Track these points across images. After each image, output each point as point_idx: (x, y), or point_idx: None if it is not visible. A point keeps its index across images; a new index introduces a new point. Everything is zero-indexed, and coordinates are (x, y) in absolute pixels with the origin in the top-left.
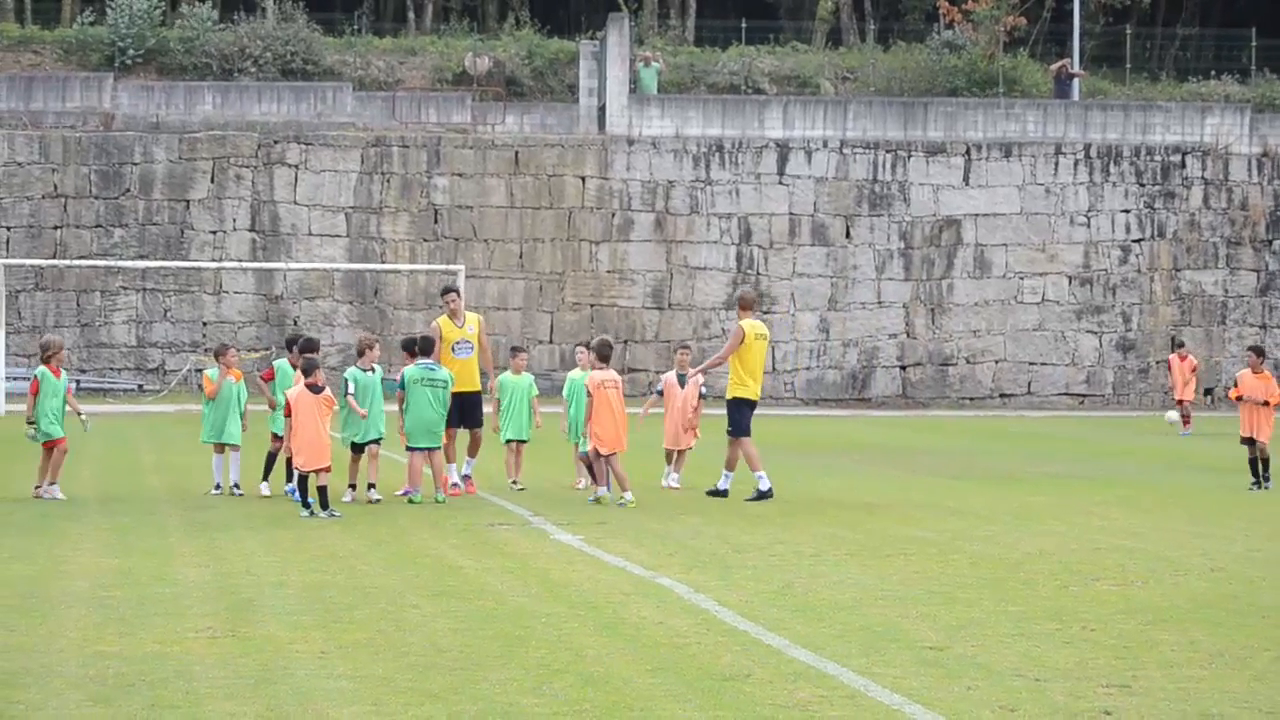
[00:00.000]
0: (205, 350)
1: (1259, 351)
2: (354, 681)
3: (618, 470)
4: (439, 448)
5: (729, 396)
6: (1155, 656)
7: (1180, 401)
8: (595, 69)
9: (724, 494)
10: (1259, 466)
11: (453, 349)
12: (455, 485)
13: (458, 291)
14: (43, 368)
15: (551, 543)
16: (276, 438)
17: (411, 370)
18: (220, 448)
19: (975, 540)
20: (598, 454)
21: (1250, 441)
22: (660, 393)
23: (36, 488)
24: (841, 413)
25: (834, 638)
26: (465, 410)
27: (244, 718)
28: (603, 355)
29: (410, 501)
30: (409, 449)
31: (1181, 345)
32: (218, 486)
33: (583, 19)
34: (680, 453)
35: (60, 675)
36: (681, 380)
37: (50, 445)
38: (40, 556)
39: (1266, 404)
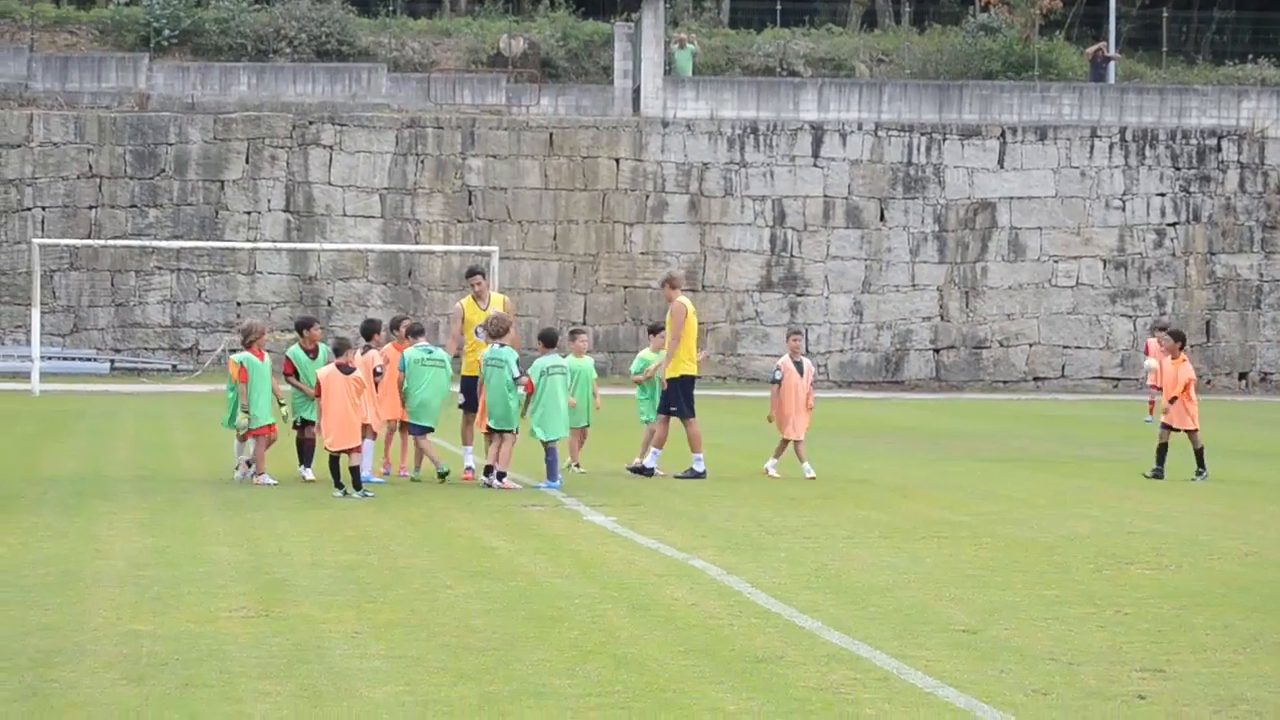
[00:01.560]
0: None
1: (1174, 335)
2: (387, 661)
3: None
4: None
5: (678, 374)
6: (1189, 640)
7: (1156, 387)
8: (630, 51)
9: (650, 471)
10: (1199, 457)
11: (476, 331)
12: (470, 469)
13: (483, 273)
14: (247, 353)
15: (584, 524)
16: (305, 423)
17: (412, 352)
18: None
19: (1009, 523)
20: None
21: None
22: (778, 380)
23: (250, 472)
24: (875, 395)
25: (867, 620)
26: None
27: (278, 697)
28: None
29: (413, 480)
30: (414, 429)
31: (1163, 329)
32: (248, 463)
33: (618, 1)
34: (797, 442)
35: (94, 654)
36: (799, 367)
37: (258, 433)
38: (75, 535)
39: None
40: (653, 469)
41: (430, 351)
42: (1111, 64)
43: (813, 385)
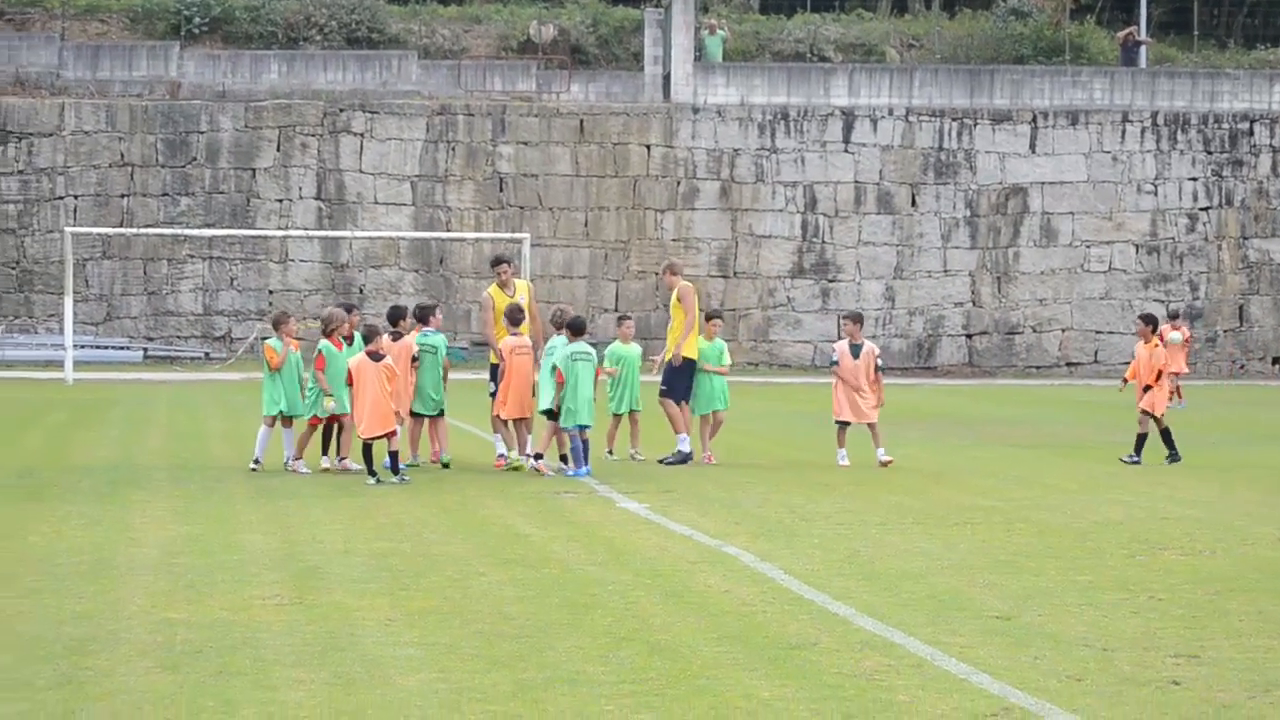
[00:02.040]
0: (293, 318)
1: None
2: (421, 649)
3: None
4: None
5: (686, 356)
6: (1223, 626)
7: (1174, 373)
8: (660, 37)
9: (689, 457)
10: (1168, 438)
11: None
12: (502, 456)
13: (509, 261)
14: (326, 342)
15: (617, 511)
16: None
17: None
18: (272, 421)
19: (1042, 509)
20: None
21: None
22: (835, 363)
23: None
24: (907, 381)
25: (900, 606)
26: None
27: (311, 685)
28: (512, 320)
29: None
30: (413, 415)
31: (1175, 316)
32: (258, 461)
33: None
34: (872, 425)
35: (129, 642)
36: (855, 351)
37: (333, 420)
38: (108, 523)
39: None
40: (690, 453)
41: (425, 336)
42: (1143, 48)
43: (879, 370)
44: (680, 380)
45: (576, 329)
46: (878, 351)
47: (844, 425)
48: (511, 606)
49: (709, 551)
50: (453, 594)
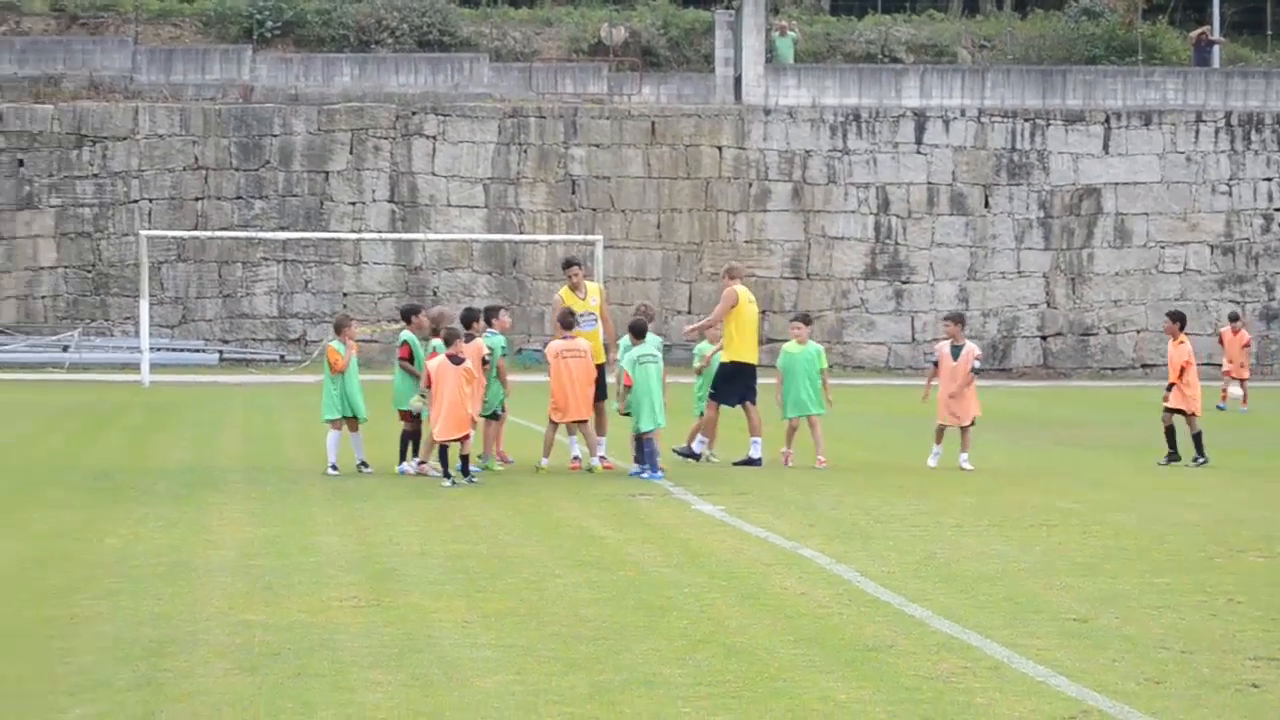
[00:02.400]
0: (355, 321)
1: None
2: (497, 650)
3: (589, 437)
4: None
5: (727, 359)
6: None
7: (1228, 374)
8: (731, 39)
9: (758, 461)
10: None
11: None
12: (577, 459)
13: (579, 264)
14: (437, 340)
15: (693, 513)
16: (405, 416)
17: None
18: (339, 424)
19: (1118, 511)
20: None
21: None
22: (936, 364)
23: (420, 463)
24: (981, 383)
25: (977, 609)
26: (595, 382)
27: (389, 686)
28: (564, 324)
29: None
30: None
31: (1236, 318)
32: (334, 466)
33: None
34: (965, 429)
35: (207, 644)
36: (956, 352)
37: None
38: (185, 526)
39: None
40: (759, 459)
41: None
42: (1216, 48)
43: (974, 370)
44: (723, 384)
45: (638, 332)
46: (977, 353)
47: (942, 427)
48: (587, 609)
49: (784, 554)
50: (529, 596)
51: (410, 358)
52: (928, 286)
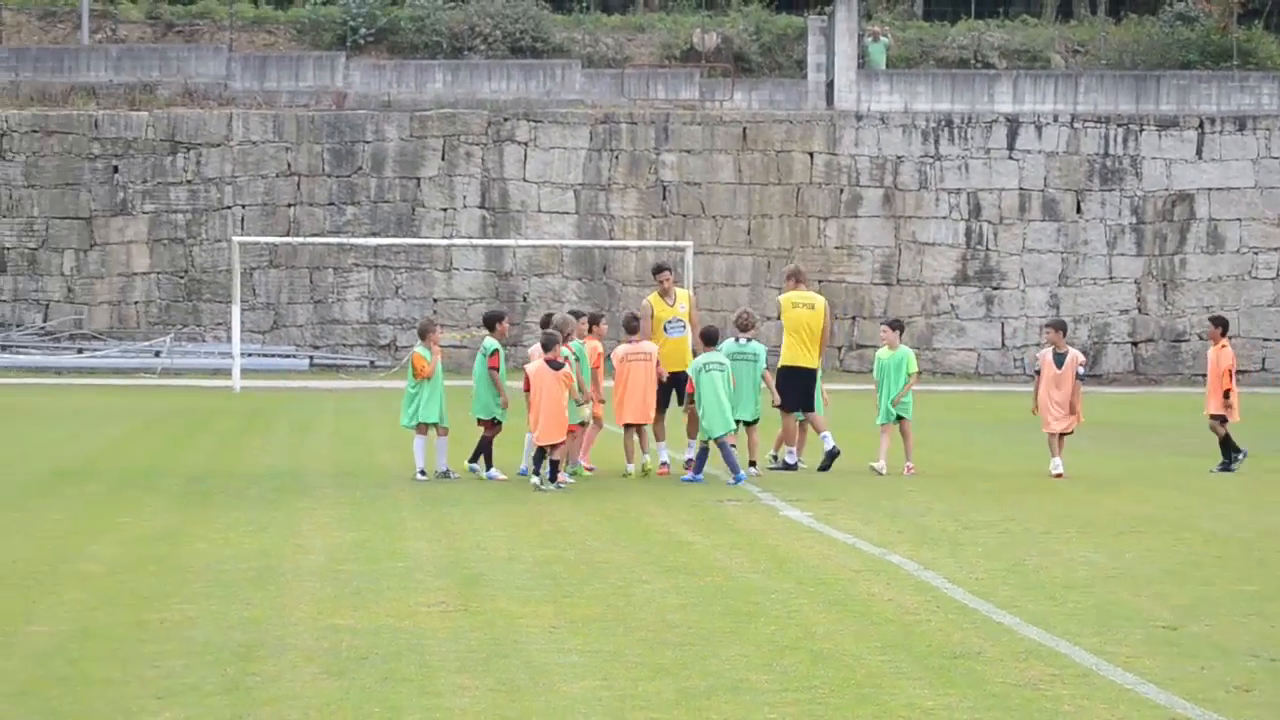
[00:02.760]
0: (440, 327)
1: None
2: (584, 656)
3: (644, 439)
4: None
5: (787, 364)
6: None
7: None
8: (823, 44)
9: (794, 467)
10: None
11: (665, 328)
12: (665, 464)
13: (669, 269)
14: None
15: (780, 519)
16: (483, 423)
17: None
18: (425, 429)
19: (1208, 518)
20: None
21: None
22: (1038, 372)
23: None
24: None
25: (1065, 616)
26: (679, 389)
27: (476, 691)
28: (628, 328)
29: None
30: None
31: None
32: (423, 471)
33: None
34: (1060, 436)
35: (295, 648)
36: (1059, 360)
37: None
38: (275, 530)
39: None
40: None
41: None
42: None
43: (1079, 377)
44: (782, 390)
45: (709, 339)
46: (1082, 359)
47: (1052, 435)
48: (674, 614)
49: (872, 560)
50: (616, 601)
51: (497, 367)
52: (1018, 292)
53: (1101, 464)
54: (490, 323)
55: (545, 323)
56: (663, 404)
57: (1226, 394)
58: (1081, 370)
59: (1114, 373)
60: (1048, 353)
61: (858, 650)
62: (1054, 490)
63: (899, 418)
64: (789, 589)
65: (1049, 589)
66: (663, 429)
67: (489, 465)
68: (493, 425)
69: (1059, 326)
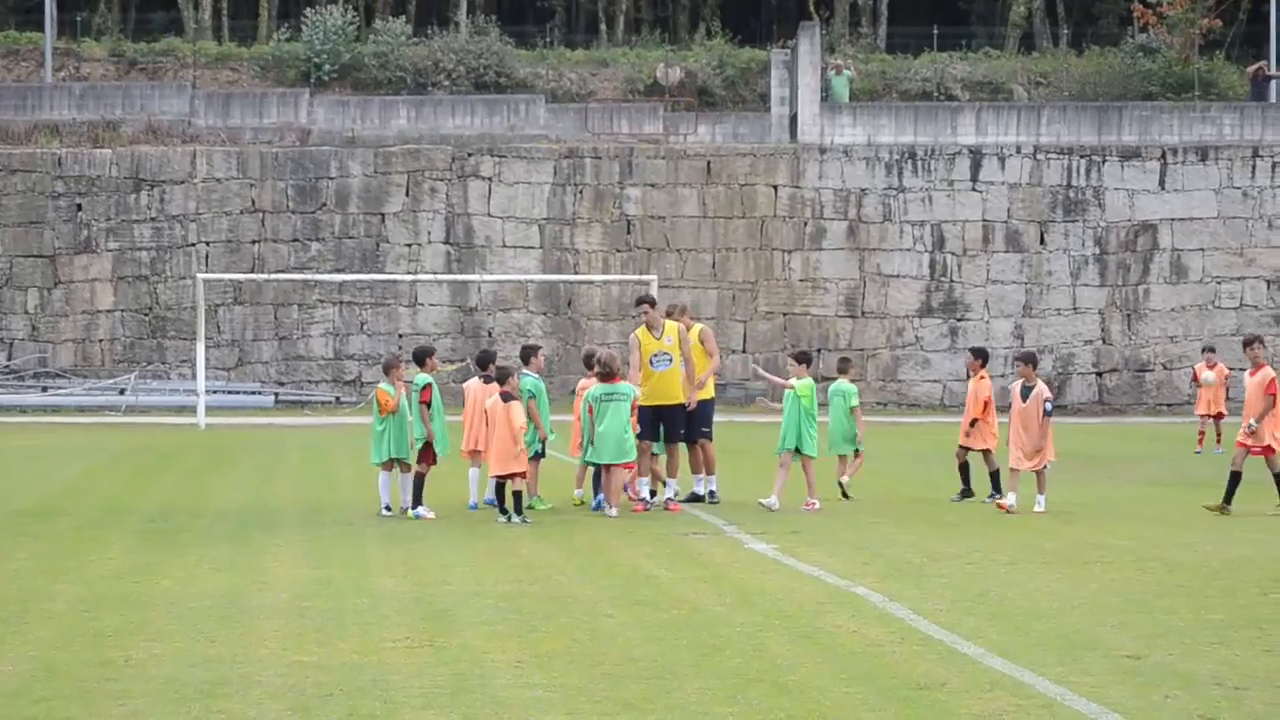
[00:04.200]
0: (406, 362)
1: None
2: (549, 691)
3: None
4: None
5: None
6: None
7: (1205, 416)
8: (787, 78)
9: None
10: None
11: (650, 361)
12: (642, 500)
13: (652, 302)
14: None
15: (745, 552)
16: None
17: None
18: (390, 465)
19: (1173, 548)
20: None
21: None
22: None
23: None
24: None
25: (1030, 646)
26: (666, 423)
27: None
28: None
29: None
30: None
31: (1211, 350)
32: (388, 507)
33: (774, 28)
34: (1038, 474)
35: (260, 685)
36: (1025, 393)
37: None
38: (240, 567)
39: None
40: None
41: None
42: (1273, 82)
43: (1046, 414)
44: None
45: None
46: (1048, 394)
47: (1015, 471)
48: (640, 648)
49: (837, 592)
50: (581, 636)
51: (428, 402)
52: (983, 324)
53: (1066, 494)
54: (420, 358)
55: (523, 355)
56: (647, 435)
57: (974, 422)
58: (1049, 406)
59: (1079, 403)
60: (1017, 386)
61: (823, 682)
62: (1018, 522)
63: (797, 450)
64: (755, 622)
65: (1014, 619)
66: (645, 463)
67: (417, 503)
68: (430, 459)
69: (1028, 359)
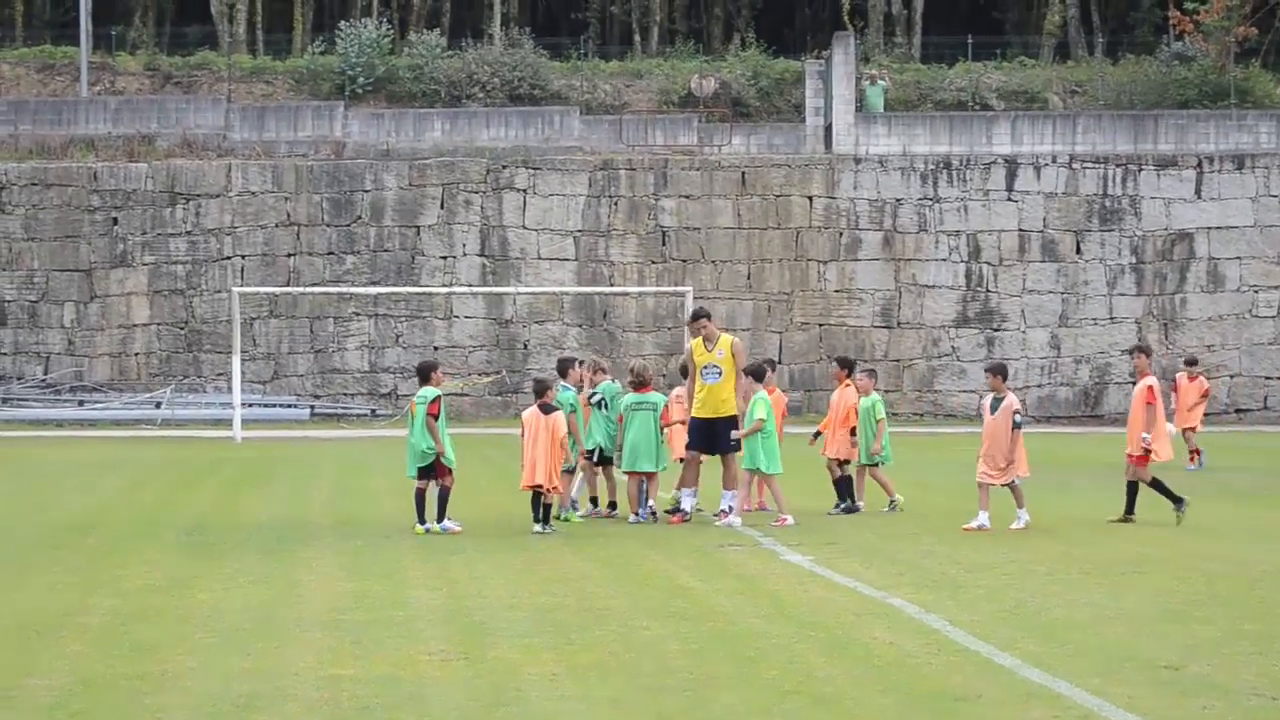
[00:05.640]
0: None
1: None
2: (585, 703)
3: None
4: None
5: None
6: None
7: (1188, 429)
8: (821, 88)
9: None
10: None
11: (702, 373)
12: (680, 512)
13: (707, 316)
14: (574, 390)
15: (781, 563)
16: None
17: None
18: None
19: (1211, 558)
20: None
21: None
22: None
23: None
24: (1074, 430)
25: (1067, 657)
26: (714, 436)
27: None
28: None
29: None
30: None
31: (1193, 363)
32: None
33: (808, 38)
34: (1011, 487)
35: (296, 698)
36: (995, 405)
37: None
38: (276, 581)
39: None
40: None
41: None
42: None
43: (1015, 425)
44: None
45: (756, 375)
46: (1017, 405)
47: (980, 485)
48: (676, 660)
49: (873, 603)
50: (617, 648)
51: (437, 415)
52: (1019, 334)
53: (1103, 505)
54: (425, 372)
55: (560, 368)
56: (694, 445)
57: (853, 431)
58: (1018, 418)
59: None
60: (988, 399)
61: (859, 694)
62: (1055, 532)
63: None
64: (790, 633)
65: (1050, 630)
66: (692, 474)
67: (441, 517)
68: (443, 470)
69: (998, 371)
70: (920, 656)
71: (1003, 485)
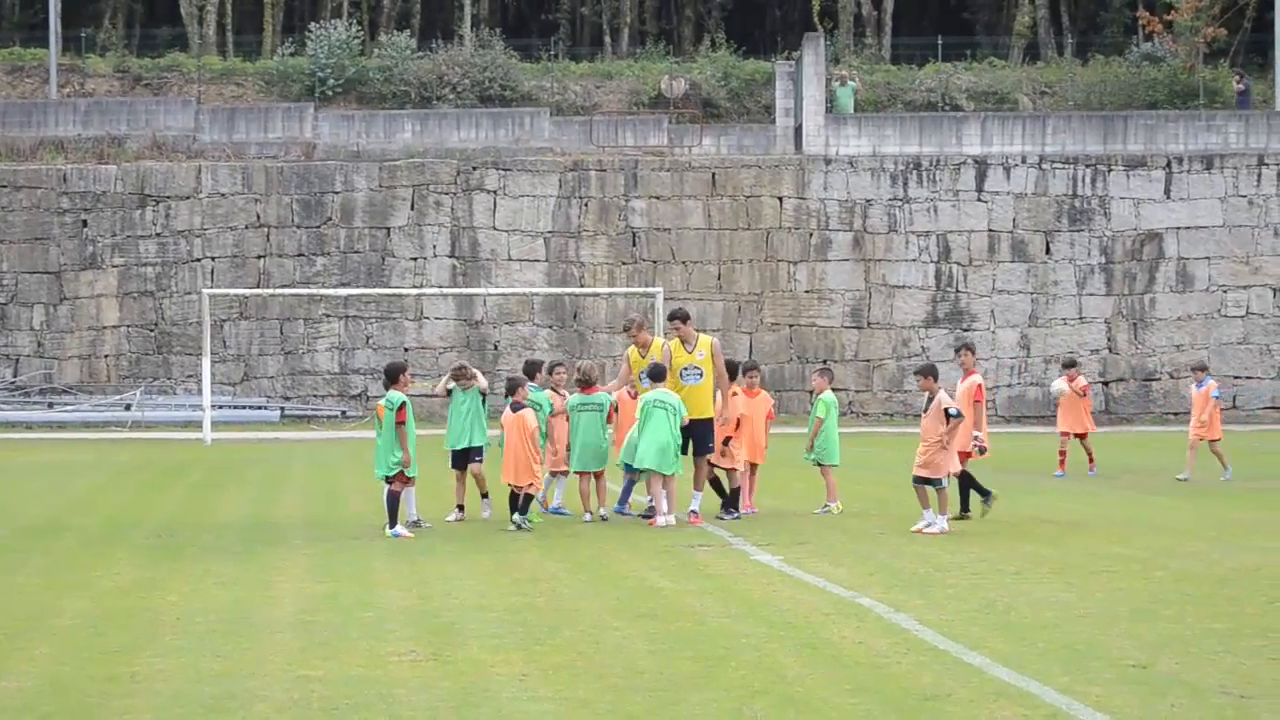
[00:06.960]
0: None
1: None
2: (554, 704)
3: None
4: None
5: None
6: None
7: (1065, 435)
8: (791, 89)
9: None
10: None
11: (681, 375)
12: (695, 513)
13: (685, 316)
14: (546, 392)
15: (751, 563)
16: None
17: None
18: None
19: (1179, 557)
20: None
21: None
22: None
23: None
24: (1043, 430)
25: (1036, 656)
26: (696, 437)
27: None
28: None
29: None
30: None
31: (1072, 365)
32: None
33: (778, 39)
34: (938, 490)
35: (265, 699)
36: (927, 404)
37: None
38: (245, 582)
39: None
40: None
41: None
42: (1248, 91)
43: (946, 417)
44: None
45: (654, 376)
46: (947, 402)
47: (915, 481)
48: (645, 660)
49: (843, 603)
50: (586, 648)
51: (404, 421)
52: (989, 334)
53: (1072, 503)
54: (393, 375)
55: (527, 370)
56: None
57: (727, 440)
58: (952, 410)
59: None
60: (925, 399)
61: (828, 694)
62: (1024, 531)
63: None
64: (760, 633)
65: (1019, 629)
66: (701, 478)
67: (393, 523)
68: (403, 480)
69: (928, 372)
70: (890, 656)
71: (927, 477)
